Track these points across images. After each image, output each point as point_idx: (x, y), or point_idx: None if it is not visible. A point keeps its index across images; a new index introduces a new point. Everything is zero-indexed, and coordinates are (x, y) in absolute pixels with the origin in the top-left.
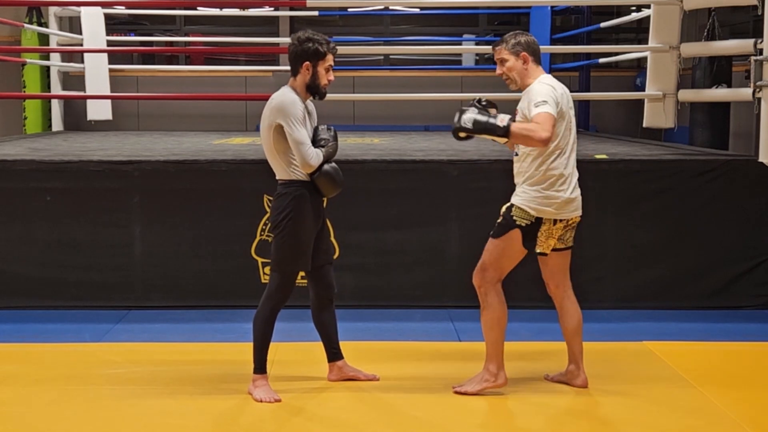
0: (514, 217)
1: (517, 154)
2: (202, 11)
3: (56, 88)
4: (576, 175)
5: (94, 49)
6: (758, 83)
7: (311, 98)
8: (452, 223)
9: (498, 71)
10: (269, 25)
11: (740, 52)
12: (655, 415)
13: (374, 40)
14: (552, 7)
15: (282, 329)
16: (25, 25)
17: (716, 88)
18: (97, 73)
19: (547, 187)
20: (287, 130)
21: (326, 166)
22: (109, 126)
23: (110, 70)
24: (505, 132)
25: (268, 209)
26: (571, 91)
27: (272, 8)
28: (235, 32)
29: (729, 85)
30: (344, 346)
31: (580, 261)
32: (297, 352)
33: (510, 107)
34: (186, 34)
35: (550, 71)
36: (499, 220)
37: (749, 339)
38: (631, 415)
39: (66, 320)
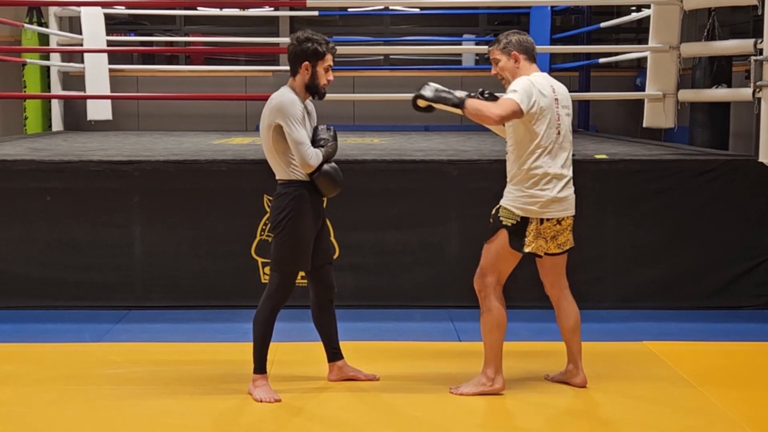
0: (501, 218)
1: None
2: (202, 11)
3: (56, 88)
4: (568, 175)
5: (94, 49)
6: (758, 83)
7: (311, 98)
8: (452, 223)
9: (492, 71)
10: (269, 25)
11: (740, 52)
12: (655, 415)
13: (374, 40)
14: (552, 7)
15: (282, 329)
16: (25, 25)
17: (716, 88)
18: (97, 73)
19: (530, 186)
20: (286, 130)
21: (326, 166)
22: (109, 126)
23: (110, 70)
24: (460, 102)
25: (268, 209)
26: (571, 91)
27: (272, 8)
28: (235, 32)
29: (729, 85)
30: (344, 346)
31: (580, 261)
32: (297, 352)
33: None
34: (186, 34)
35: (550, 71)
36: (490, 223)
37: (749, 339)
38: (631, 415)
39: (66, 320)
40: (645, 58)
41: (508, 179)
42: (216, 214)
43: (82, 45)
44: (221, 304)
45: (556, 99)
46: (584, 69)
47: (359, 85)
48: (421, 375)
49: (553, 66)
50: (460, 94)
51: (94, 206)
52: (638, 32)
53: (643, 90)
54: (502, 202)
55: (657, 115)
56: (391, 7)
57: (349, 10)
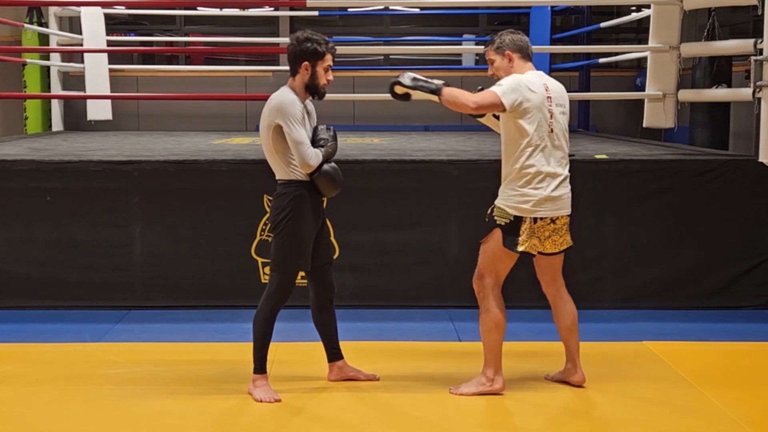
0: (495, 217)
1: None
2: (202, 11)
3: (56, 88)
4: (563, 174)
5: (94, 49)
6: (758, 83)
7: (310, 98)
8: (452, 223)
9: (489, 72)
10: (269, 25)
11: (740, 52)
12: (655, 415)
13: (374, 40)
14: (552, 7)
15: (282, 329)
16: (26, 25)
17: (716, 88)
18: (97, 73)
19: (523, 185)
20: (286, 131)
21: (326, 166)
22: (109, 126)
23: (110, 70)
24: (437, 89)
25: (268, 209)
26: (570, 91)
27: (272, 8)
28: (235, 32)
29: (729, 85)
30: (344, 346)
31: (580, 261)
32: (297, 352)
33: None
34: (186, 34)
35: (550, 71)
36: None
37: (749, 339)
38: (631, 415)
39: (66, 320)
40: (645, 58)
41: (502, 178)
42: (216, 214)
43: (82, 45)
44: (221, 304)
45: (549, 97)
46: (584, 69)
47: (359, 85)
48: (421, 375)
49: (553, 66)
50: (437, 82)
51: (94, 206)
52: (638, 32)
53: (643, 90)
54: (497, 202)
55: (657, 115)
56: (391, 7)
57: (349, 10)
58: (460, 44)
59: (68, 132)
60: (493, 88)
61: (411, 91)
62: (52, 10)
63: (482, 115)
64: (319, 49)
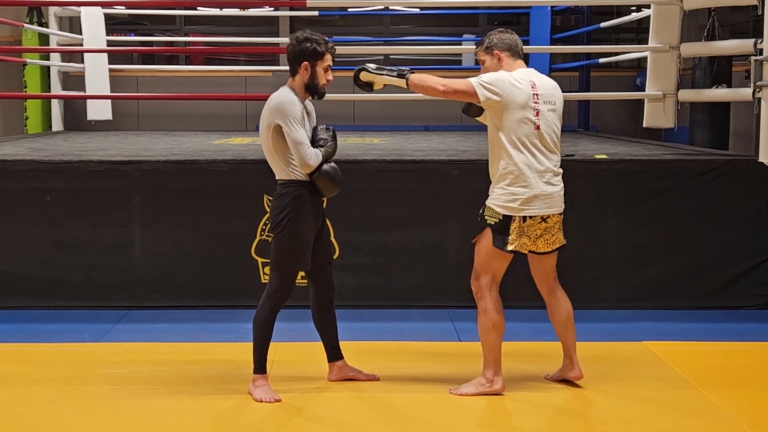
0: (486, 217)
1: None
2: (202, 11)
3: (56, 88)
4: (552, 171)
5: (94, 49)
6: (758, 83)
7: (310, 98)
8: (452, 223)
9: (481, 73)
10: (269, 25)
11: (740, 52)
12: (655, 416)
13: (374, 40)
14: (552, 7)
15: (282, 329)
16: (26, 25)
17: (716, 88)
18: (97, 73)
19: (510, 183)
20: (286, 131)
21: (325, 166)
22: (109, 126)
23: (110, 70)
24: (403, 74)
25: (268, 209)
26: (571, 91)
27: (272, 8)
28: (235, 32)
29: (729, 85)
30: (344, 346)
31: (580, 261)
32: (297, 352)
33: None
34: (186, 34)
35: (550, 71)
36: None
37: (749, 339)
38: (631, 416)
39: (66, 320)
40: (645, 58)
41: (491, 177)
42: (216, 214)
43: (82, 45)
44: (221, 304)
45: (536, 94)
46: (584, 69)
47: None
48: (421, 375)
49: (553, 66)
50: (404, 68)
51: (94, 206)
52: (638, 32)
53: (643, 90)
54: (487, 201)
55: (657, 115)
56: (391, 7)
57: (349, 10)
58: (460, 44)
59: (68, 132)
60: (471, 78)
61: (377, 78)
62: (52, 10)
63: (479, 114)
64: (319, 49)
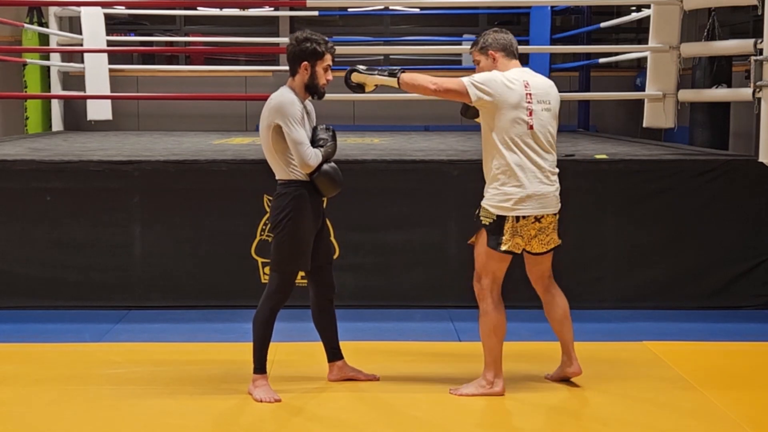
0: (481, 218)
1: None
2: (202, 11)
3: (56, 88)
4: (546, 171)
5: (94, 49)
6: (758, 83)
7: (310, 98)
8: (452, 223)
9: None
10: (269, 25)
11: (740, 52)
12: (655, 416)
13: (374, 40)
14: (552, 7)
15: (282, 329)
16: (26, 25)
17: (716, 88)
18: (97, 73)
19: (502, 183)
20: (285, 131)
21: (325, 166)
22: (109, 126)
23: (110, 70)
24: (392, 74)
25: (268, 209)
26: (570, 91)
27: (272, 8)
28: (235, 32)
29: (729, 85)
30: (344, 346)
31: (580, 261)
32: (297, 352)
33: None
34: (186, 34)
35: (550, 71)
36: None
37: (749, 339)
38: (631, 416)
39: (66, 320)
40: (645, 58)
41: (485, 177)
42: (216, 214)
43: (82, 45)
44: (221, 304)
45: (530, 93)
46: (584, 69)
47: None
48: (421, 375)
49: (553, 66)
50: (396, 69)
51: (94, 206)
52: (638, 32)
53: (643, 90)
54: (482, 202)
55: (657, 115)
56: (391, 7)
57: (349, 10)
58: (460, 44)
59: (68, 132)
60: (463, 78)
61: (368, 79)
62: (52, 10)
63: (478, 115)
64: (319, 49)
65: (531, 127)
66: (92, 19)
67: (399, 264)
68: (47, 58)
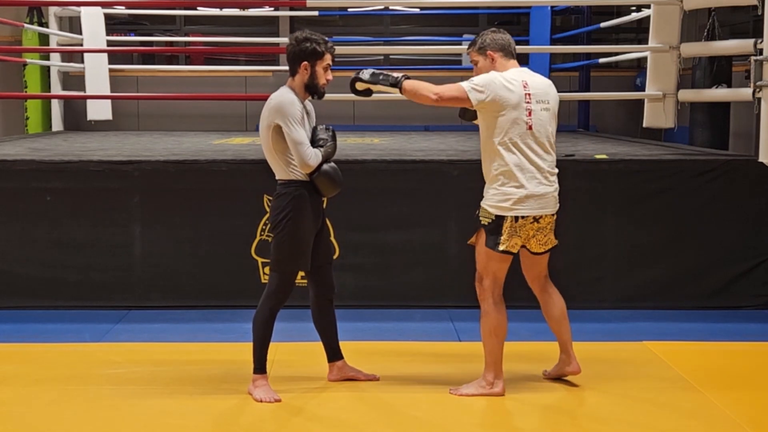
0: (480, 218)
1: None
2: (202, 11)
3: (56, 88)
4: (545, 171)
5: (94, 49)
6: (758, 83)
7: (310, 98)
8: (452, 223)
9: (474, 74)
10: (269, 25)
11: (740, 52)
12: (655, 416)
13: (374, 40)
14: (552, 7)
15: (282, 329)
16: (26, 25)
17: (716, 88)
18: (97, 73)
19: (502, 184)
20: (285, 131)
21: (325, 166)
22: (109, 126)
23: (110, 70)
24: (397, 82)
25: (268, 209)
26: (570, 91)
27: (272, 8)
28: (235, 32)
29: (729, 85)
30: (344, 346)
31: (580, 261)
32: (297, 352)
33: None
34: (186, 34)
35: (550, 71)
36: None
37: (749, 339)
38: (631, 416)
39: (66, 320)
40: (645, 58)
41: (484, 177)
42: (216, 214)
43: (82, 45)
44: (221, 304)
45: (529, 94)
46: (584, 69)
47: None
48: (421, 375)
49: (553, 66)
50: (397, 75)
51: (94, 206)
52: (638, 32)
53: (643, 90)
54: (481, 202)
55: (657, 115)
56: (391, 7)
57: (349, 10)
58: (460, 44)
59: (68, 132)
60: (462, 83)
61: (372, 87)
62: (52, 10)
63: (476, 117)
64: (318, 49)
65: (530, 128)
66: (92, 19)
67: (399, 264)
68: (47, 58)
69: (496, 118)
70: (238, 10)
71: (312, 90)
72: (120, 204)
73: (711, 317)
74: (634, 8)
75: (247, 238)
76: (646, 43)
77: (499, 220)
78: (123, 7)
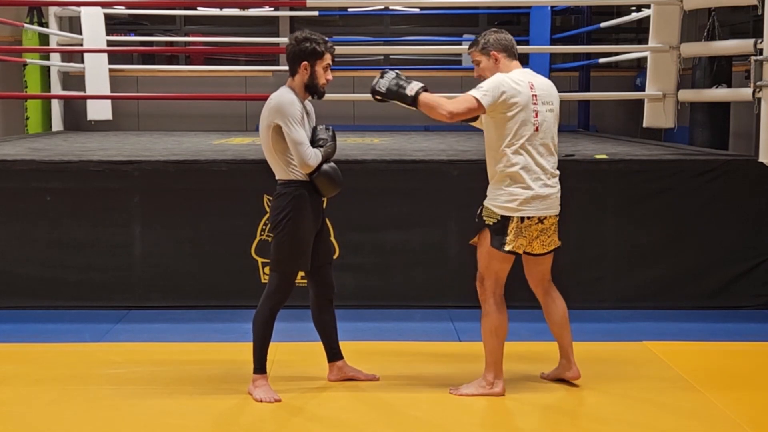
0: (484, 218)
1: None
2: (202, 11)
3: (56, 88)
4: (550, 172)
5: (94, 49)
6: (758, 83)
7: (310, 98)
8: (452, 223)
9: (475, 73)
10: (269, 25)
11: (740, 52)
12: (655, 416)
13: (374, 40)
14: (552, 7)
15: (282, 329)
16: (26, 25)
17: (716, 88)
18: (97, 73)
19: (508, 185)
20: (285, 131)
21: (325, 166)
22: (109, 126)
23: (110, 70)
24: (413, 101)
25: (268, 209)
26: (571, 91)
27: (272, 8)
28: (235, 32)
29: (729, 85)
30: (344, 346)
31: (580, 261)
32: (297, 352)
33: None
34: (186, 34)
35: (550, 71)
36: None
37: (749, 339)
38: (631, 416)
39: (66, 320)
40: (645, 58)
41: (489, 177)
42: (216, 214)
43: (82, 45)
44: (221, 304)
45: (535, 95)
46: (584, 69)
47: (359, 85)
48: (421, 375)
49: (553, 66)
50: (414, 87)
51: (94, 206)
52: (638, 32)
53: (643, 90)
54: (485, 202)
55: (657, 115)
56: (391, 7)
57: (349, 10)
58: (460, 44)
59: (68, 132)
60: (472, 91)
61: (389, 99)
62: (52, 10)
63: (475, 119)
64: (318, 49)
65: (537, 129)
66: (92, 19)
67: (399, 264)
68: (47, 58)
69: (505, 120)
70: (238, 10)
71: (312, 90)
72: (120, 204)
73: (711, 317)
74: (634, 8)
75: (247, 238)
76: (646, 43)
77: (505, 220)
78: (123, 7)
